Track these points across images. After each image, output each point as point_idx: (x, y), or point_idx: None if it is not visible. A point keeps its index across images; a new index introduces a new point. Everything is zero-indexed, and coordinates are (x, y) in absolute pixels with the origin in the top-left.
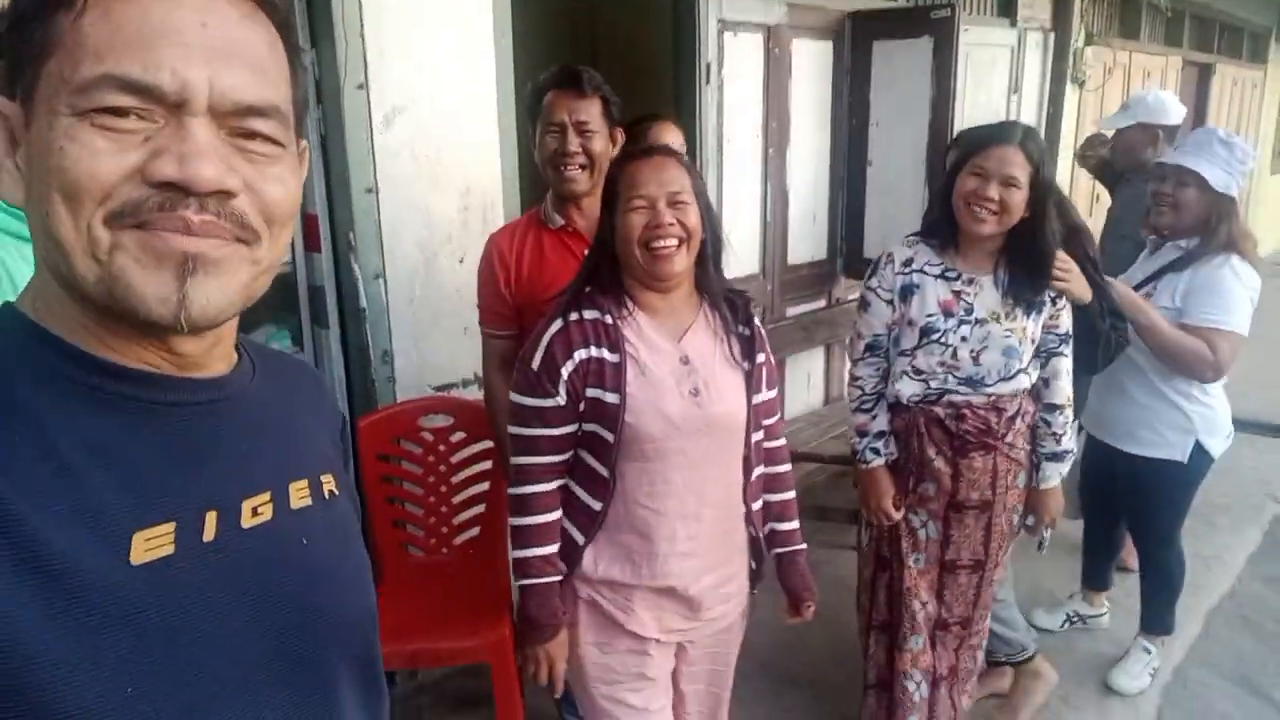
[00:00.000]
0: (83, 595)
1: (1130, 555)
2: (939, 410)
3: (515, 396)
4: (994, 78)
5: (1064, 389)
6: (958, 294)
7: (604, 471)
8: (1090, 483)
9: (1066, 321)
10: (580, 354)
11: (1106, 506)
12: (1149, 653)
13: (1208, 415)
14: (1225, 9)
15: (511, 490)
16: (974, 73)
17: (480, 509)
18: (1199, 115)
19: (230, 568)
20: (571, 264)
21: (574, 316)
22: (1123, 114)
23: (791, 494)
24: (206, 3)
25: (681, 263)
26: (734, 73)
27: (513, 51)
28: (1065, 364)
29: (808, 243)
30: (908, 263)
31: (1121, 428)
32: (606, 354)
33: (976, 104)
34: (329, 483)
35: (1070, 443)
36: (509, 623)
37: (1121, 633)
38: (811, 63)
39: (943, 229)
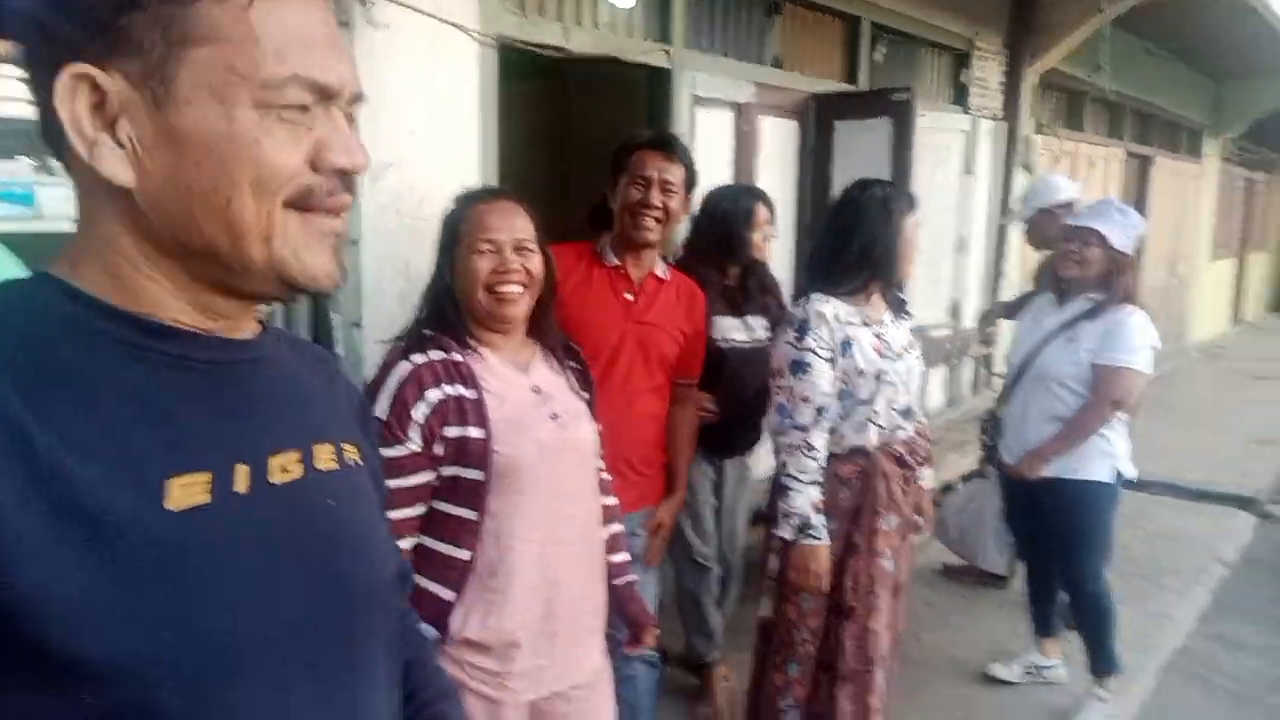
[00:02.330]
0: (122, 541)
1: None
2: (898, 448)
3: None
4: (950, 161)
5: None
6: (879, 335)
7: (472, 515)
8: (1020, 525)
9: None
10: (433, 394)
11: (1039, 545)
12: (1103, 701)
13: (1120, 443)
14: (1163, 105)
15: None
16: (930, 156)
17: None
18: (1140, 203)
19: (262, 522)
20: (611, 300)
21: (419, 359)
22: (1025, 206)
23: (621, 527)
24: (320, 1)
25: (523, 307)
26: (705, 145)
27: (497, 122)
28: None
29: None
30: (837, 318)
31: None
32: (464, 390)
33: (934, 184)
34: (351, 451)
35: None
36: None
37: (1080, 689)
38: (778, 139)
39: (863, 276)
